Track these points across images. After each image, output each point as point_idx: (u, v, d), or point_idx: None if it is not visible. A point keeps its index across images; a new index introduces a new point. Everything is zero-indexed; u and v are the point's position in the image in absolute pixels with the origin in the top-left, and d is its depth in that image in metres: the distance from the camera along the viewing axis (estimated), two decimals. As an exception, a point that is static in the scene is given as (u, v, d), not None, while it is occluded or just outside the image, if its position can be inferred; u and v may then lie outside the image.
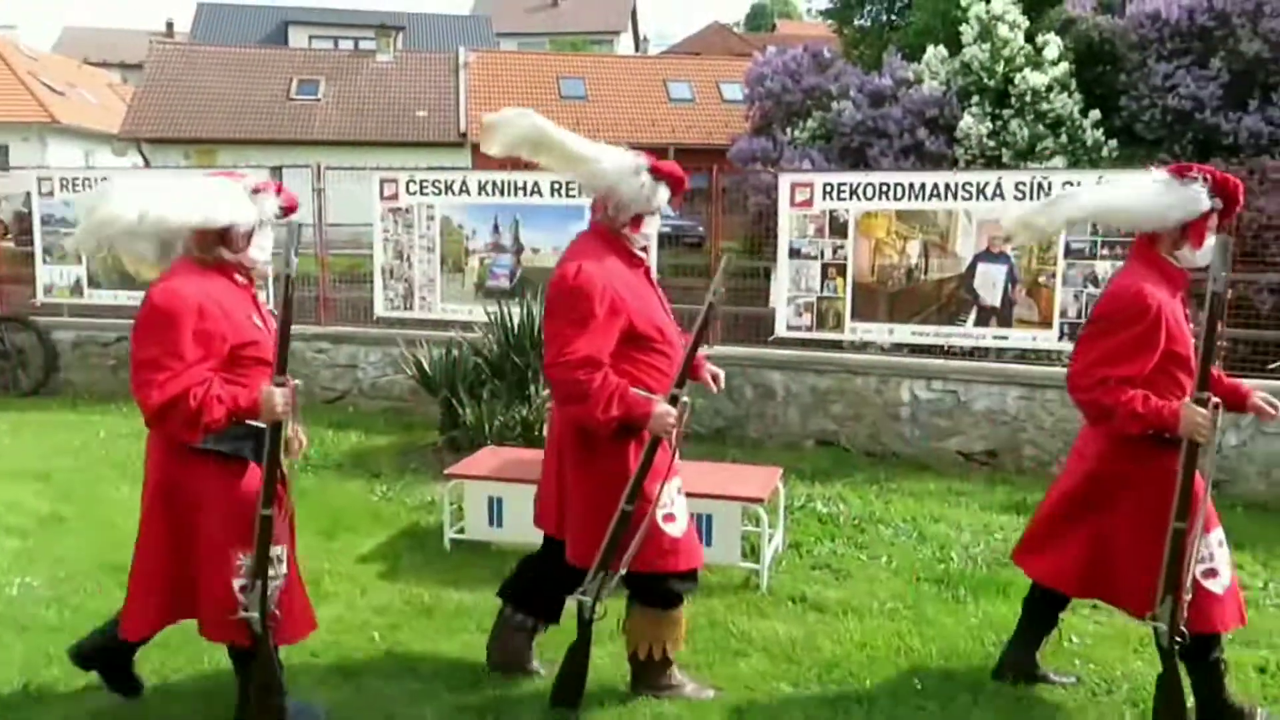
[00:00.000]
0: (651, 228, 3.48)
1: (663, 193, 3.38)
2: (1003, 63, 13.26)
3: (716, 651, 3.94)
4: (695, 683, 3.61)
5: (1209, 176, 3.20)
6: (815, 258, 7.03)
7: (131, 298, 8.65)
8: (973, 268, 6.66)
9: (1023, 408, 6.57)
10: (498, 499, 4.93)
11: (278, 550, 3.06)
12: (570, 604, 3.48)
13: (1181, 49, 12.48)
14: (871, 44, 18.11)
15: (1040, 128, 12.78)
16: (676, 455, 3.36)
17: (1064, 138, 12.72)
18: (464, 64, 26.04)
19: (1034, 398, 6.54)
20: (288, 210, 3.19)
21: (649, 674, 3.53)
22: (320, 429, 7.38)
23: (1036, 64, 13.05)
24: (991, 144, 12.98)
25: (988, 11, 13.41)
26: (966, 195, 6.65)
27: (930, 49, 13.88)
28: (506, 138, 3.26)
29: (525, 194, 7.77)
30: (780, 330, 7.18)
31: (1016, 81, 13.07)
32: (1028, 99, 12.97)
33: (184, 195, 3.02)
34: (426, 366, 6.76)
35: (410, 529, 5.38)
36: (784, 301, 7.14)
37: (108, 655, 3.43)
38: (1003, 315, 6.62)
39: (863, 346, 7.07)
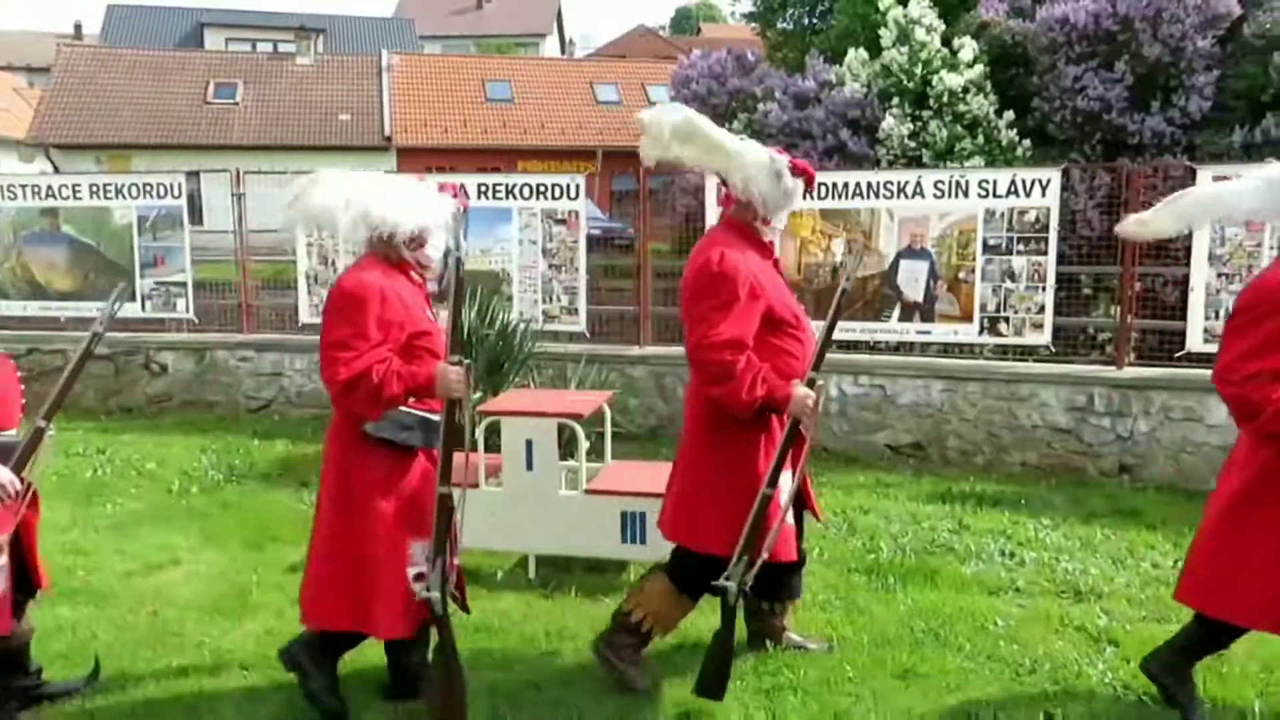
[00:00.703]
0: (780, 221, 3.55)
1: (799, 189, 3.48)
2: (921, 65, 13.56)
3: (653, 645, 3.96)
4: (640, 674, 3.63)
5: None
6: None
7: (44, 308, 8.38)
8: (895, 265, 6.82)
9: (946, 400, 6.74)
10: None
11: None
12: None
13: (1089, 52, 12.90)
14: (793, 47, 18.38)
15: (958, 128, 13.09)
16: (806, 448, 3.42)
17: (981, 138, 13.06)
18: (387, 67, 25.73)
19: (957, 390, 6.72)
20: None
21: (622, 636, 3.60)
22: (245, 438, 7.24)
23: (953, 66, 13.36)
24: (912, 144, 13.25)
25: (905, 15, 13.71)
26: (888, 194, 6.79)
27: (851, 52, 14.13)
28: (660, 131, 3.34)
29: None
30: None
31: (934, 84, 13.36)
32: (945, 100, 13.27)
33: (394, 196, 3.26)
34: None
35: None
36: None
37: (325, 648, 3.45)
38: (925, 310, 6.78)
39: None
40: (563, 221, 7.57)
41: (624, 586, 4.61)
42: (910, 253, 6.78)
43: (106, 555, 5.00)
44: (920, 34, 13.56)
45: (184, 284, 8.09)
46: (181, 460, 6.67)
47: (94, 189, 8.19)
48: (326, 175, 3.32)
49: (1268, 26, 12.72)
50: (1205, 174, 6.35)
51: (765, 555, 3.32)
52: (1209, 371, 6.52)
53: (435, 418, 3.18)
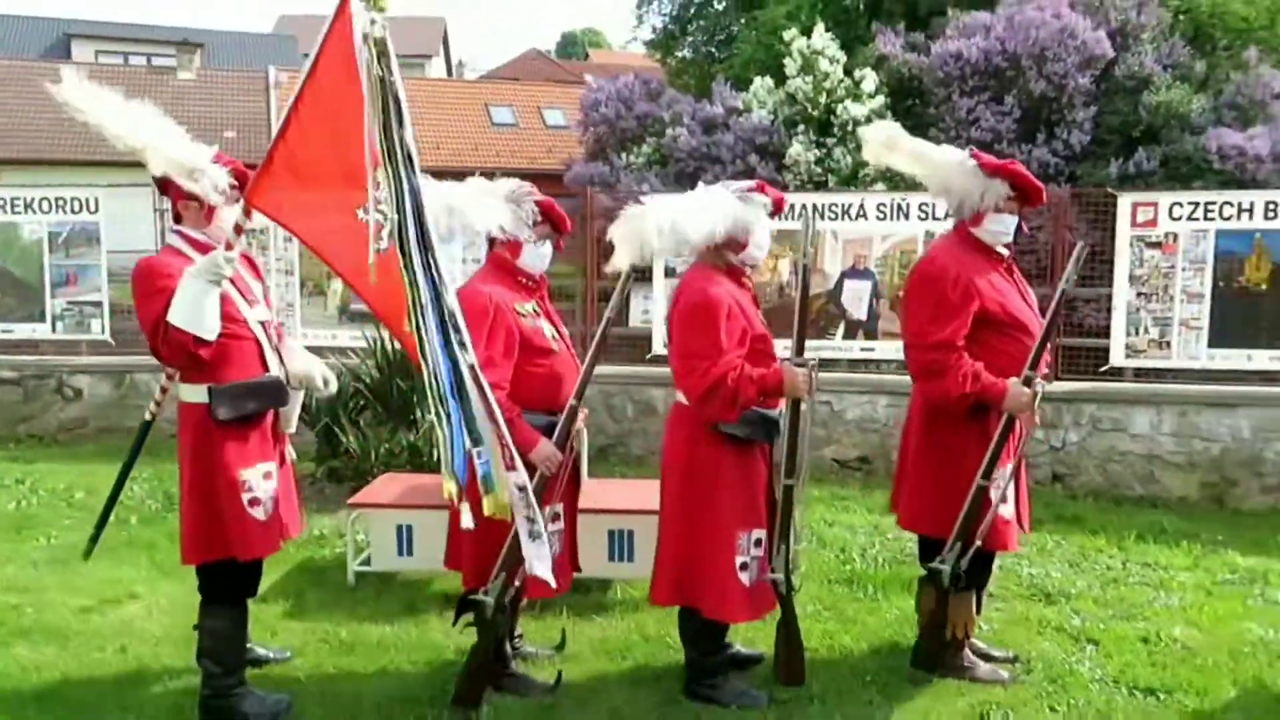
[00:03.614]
0: (998, 224, 3.63)
1: (997, 189, 3.57)
2: (825, 94, 14.03)
3: (659, 665, 3.96)
4: (989, 665, 3.83)
5: None
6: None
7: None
8: (840, 284, 7.03)
9: (892, 415, 6.96)
10: (407, 526, 4.76)
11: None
12: None
13: (981, 86, 13.61)
14: (695, 74, 18.74)
15: (862, 155, 13.61)
16: (1022, 443, 3.61)
17: (883, 165, 13.59)
18: (275, 84, 24.99)
19: (901, 405, 6.88)
20: (777, 209, 3.59)
21: (946, 655, 3.76)
22: (174, 465, 6.85)
23: (856, 96, 13.88)
24: (818, 170, 13.70)
25: (809, 46, 14.18)
26: (833, 215, 7.01)
27: (757, 80, 14.51)
28: (875, 142, 3.77)
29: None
30: (658, 348, 7.30)
31: (838, 112, 13.86)
32: (849, 128, 13.76)
33: (708, 213, 3.37)
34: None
35: (305, 564, 5.11)
36: (661, 320, 7.27)
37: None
38: (869, 328, 7.01)
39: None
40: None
41: (612, 605, 4.60)
42: (854, 273, 7.01)
43: (53, 591, 4.68)
44: (824, 64, 14.04)
45: (99, 304, 7.66)
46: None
47: (1, 204, 7.68)
48: (654, 203, 3.41)
49: (1136, 68, 13.69)
50: (1125, 200, 6.80)
51: (979, 542, 3.52)
52: (1134, 385, 6.94)
53: (774, 414, 3.43)
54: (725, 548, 3.41)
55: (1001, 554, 5.26)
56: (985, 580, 3.92)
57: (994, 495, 3.51)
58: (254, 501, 3.39)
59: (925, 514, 3.69)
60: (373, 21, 2.75)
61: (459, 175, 3.75)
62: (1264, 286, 6.64)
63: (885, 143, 3.76)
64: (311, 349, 7.15)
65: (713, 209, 3.38)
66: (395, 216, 2.77)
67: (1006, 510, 3.61)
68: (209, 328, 3.22)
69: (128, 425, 7.71)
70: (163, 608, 4.52)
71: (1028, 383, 3.46)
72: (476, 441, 2.80)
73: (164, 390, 3.69)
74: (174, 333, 3.18)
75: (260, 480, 3.42)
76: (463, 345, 2.82)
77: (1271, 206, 6.61)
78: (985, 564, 3.78)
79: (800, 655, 3.63)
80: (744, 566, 3.43)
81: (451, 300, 2.79)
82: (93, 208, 7.60)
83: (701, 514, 3.43)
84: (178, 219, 3.48)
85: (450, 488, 2.77)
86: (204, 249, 3.38)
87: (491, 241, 3.68)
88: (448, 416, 2.79)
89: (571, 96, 25.63)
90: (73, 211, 7.61)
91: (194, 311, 3.19)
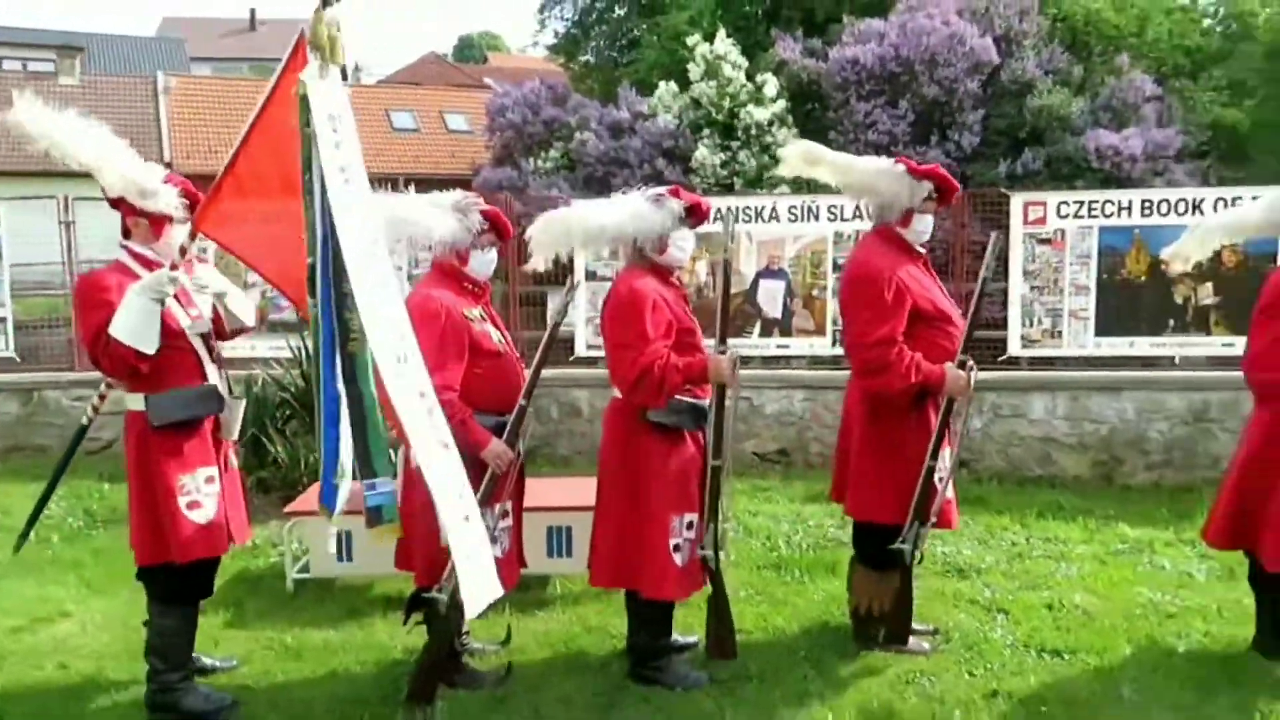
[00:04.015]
0: (922, 224, 3.88)
1: (922, 189, 3.80)
2: (728, 99, 14.39)
3: (603, 653, 4.12)
4: (914, 638, 4.07)
5: None
6: (610, 279, 7.37)
7: None
8: (755, 284, 7.30)
9: (807, 409, 7.26)
10: (346, 533, 4.79)
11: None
12: None
13: (877, 90, 14.16)
14: (599, 78, 18.92)
15: (766, 158, 14.00)
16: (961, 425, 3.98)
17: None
18: (164, 89, 24.24)
19: (817, 399, 7.26)
20: (701, 217, 3.77)
21: (867, 628, 4.03)
22: (93, 482, 6.72)
23: (758, 100, 14.27)
24: (725, 173, 14.04)
25: (712, 51, 14.50)
26: (747, 218, 7.27)
27: (662, 85, 14.78)
28: (795, 159, 3.97)
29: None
30: (581, 350, 7.46)
31: (742, 116, 14.23)
32: (753, 132, 14.16)
33: (618, 211, 3.61)
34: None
35: (241, 574, 5.10)
36: (583, 322, 7.43)
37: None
38: (784, 326, 7.30)
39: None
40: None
41: (553, 599, 4.74)
42: (768, 273, 7.29)
43: (-21, 613, 4.58)
44: (727, 69, 14.40)
45: (3, 319, 7.43)
46: (27, 509, 6.07)
47: (-109, 218, 7.38)
48: (576, 206, 3.72)
49: (1020, 73, 14.42)
50: (1017, 199, 7.25)
51: (934, 519, 3.83)
52: (1030, 374, 7.37)
53: (702, 403, 3.65)
54: (660, 531, 3.61)
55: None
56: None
57: (940, 475, 3.79)
58: (193, 504, 3.48)
59: (874, 503, 3.91)
60: (300, 80, 2.88)
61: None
62: (1143, 278, 7.16)
63: (806, 159, 3.95)
64: (231, 360, 7.15)
65: (623, 211, 3.61)
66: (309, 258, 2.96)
67: (948, 491, 3.91)
68: (150, 341, 3.32)
69: (36, 443, 7.50)
70: (98, 624, 4.47)
71: (962, 366, 3.76)
72: (372, 474, 2.96)
73: (102, 398, 3.70)
74: (115, 346, 3.29)
75: (201, 484, 3.51)
76: (362, 379, 2.97)
77: (1148, 204, 7.14)
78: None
79: (731, 631, 3.83)
80: (677, 548, 3.64)
81: (366, 327, 2.85)
82: (-8, 221, 7.38)
83: (636, 500, 3.64)
84: (126, 234, 3.53)
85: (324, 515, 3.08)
86: (151, 265, 3.45)
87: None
88: (323, 448, 3.07)
89: (473, 101, 25.53)
90: (-31, 225, 7.37)
91: (136, 326, 3.31)
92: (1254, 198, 5.23)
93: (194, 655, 3.80)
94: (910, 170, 3.86)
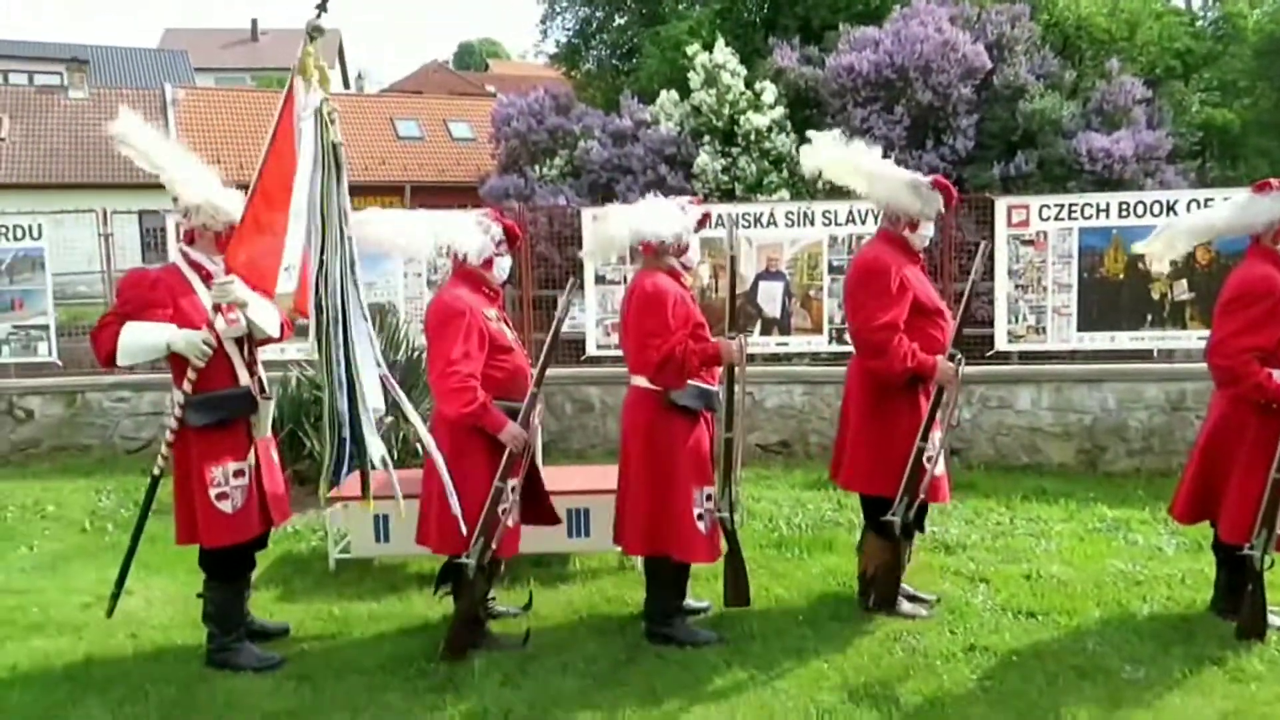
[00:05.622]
0: (926, 230, 4.36)
1: (937, 201, 4.23)
2: (728, 106, 14.79)
3: (621, 618, 4.55)
4: (912, 604, 4.49)
5: None
6: (618, 283, 7.82)
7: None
8: (755, 285, 7.74)
9: (806, 403, 7.69)
10: (384, 516, 5.23)
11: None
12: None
13: (873, 96, 14.56)
14: (601, 87, 19.31)
15: (765, 164, 14.42)
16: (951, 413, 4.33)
17: (785, 173, 14.42)
18: (172, 101, 24.68)
19: (815, 393, 7.69)
20: (702, 223, 4.29)
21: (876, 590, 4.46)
22: (137, 477, 7.13)
23: (757, 107, 14.68)
24: (725, 179, 14.45)
25: (711, 60, 14.93)
26: (747, 224, 7.71)
27: (663, 93, 15.19)
28: (817, 160, 4.35)
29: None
30: (591, 349, 7.90)
31: (741, 123, 14.62)
32: (752, 138, 14.56)
33: (651, 215, 4.13)
34: (272, 403, 6.83)
35: (286, 557, 5.53)
36: (593, 323, 7.87)
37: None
38: (783, 324, 7.74)
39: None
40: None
41: (573, 574, 5.17)
42: (767, 275, 7.73)
43: (52, 592, 5.01)
44: (726, 78, 14.81)
45: (45, 327, 7.87)
46: (81, 502, 6.58)
47: (-58, 231, 7.83)
48: (614, 210, 4.32)
49: (1012, 78, 14.84)
50: (1001, 203, 7.68)
51: (923, 495, 4.23)
52: (1015, 367, 7.78)
53: (713, 388, 4.14)
54: (685, 501, 4.07)
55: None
56: (922, 528, 4.61)
57: (929, 457, 4.20)
58: (222, 495, 3.96)
59: (864, 475, 4.36)
60: (324, 99, 3.55)
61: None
62: (1121, 276, 7.59)
63: (847, 165, 4.32)
64: (267, 362, 7.59)
65: (668, 216, 4.11)
66: (321, 257, 3.52)
67: (939, 469, 4.32)
68: (134, 360, 3.99)
69: (81, 443, 7.95)
70: (160, 600, 4.90)
71: (951, 358, 4.19)
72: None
73: (169, 445, 4.08)
74: (109, 342, 3.89)
75: (230, 477, 3.98)
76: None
77: (1125, 206, 7.57)
78: (920, 516, 4.46)
79: (745, 580, 4.28)
80: (700, 517, 4.10)
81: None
82: (35, 234, 7.81)
83: (663, 475, 4.08)
84: (190, 241, 3.97)
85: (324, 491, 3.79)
86: (206, 274, 3.91)
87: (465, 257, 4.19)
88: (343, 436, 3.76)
89: (477, 109, 25.96)
90: (15, 239, 7.81)
91: (137, 353, 3.92)
92: (1225, 199, 5.51)
93: (251, 618, 4.26)
94: (935, 185, 4.29)
